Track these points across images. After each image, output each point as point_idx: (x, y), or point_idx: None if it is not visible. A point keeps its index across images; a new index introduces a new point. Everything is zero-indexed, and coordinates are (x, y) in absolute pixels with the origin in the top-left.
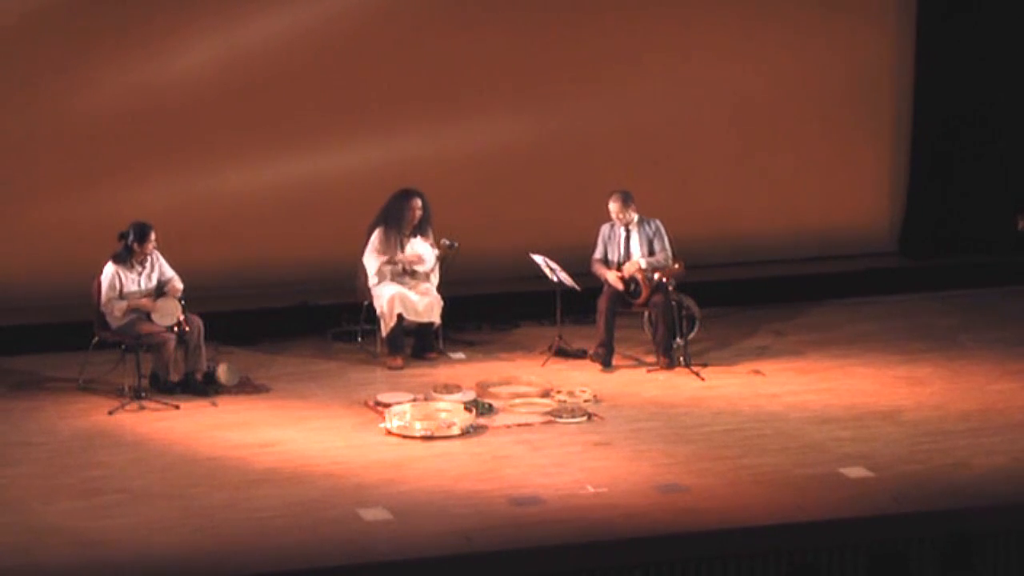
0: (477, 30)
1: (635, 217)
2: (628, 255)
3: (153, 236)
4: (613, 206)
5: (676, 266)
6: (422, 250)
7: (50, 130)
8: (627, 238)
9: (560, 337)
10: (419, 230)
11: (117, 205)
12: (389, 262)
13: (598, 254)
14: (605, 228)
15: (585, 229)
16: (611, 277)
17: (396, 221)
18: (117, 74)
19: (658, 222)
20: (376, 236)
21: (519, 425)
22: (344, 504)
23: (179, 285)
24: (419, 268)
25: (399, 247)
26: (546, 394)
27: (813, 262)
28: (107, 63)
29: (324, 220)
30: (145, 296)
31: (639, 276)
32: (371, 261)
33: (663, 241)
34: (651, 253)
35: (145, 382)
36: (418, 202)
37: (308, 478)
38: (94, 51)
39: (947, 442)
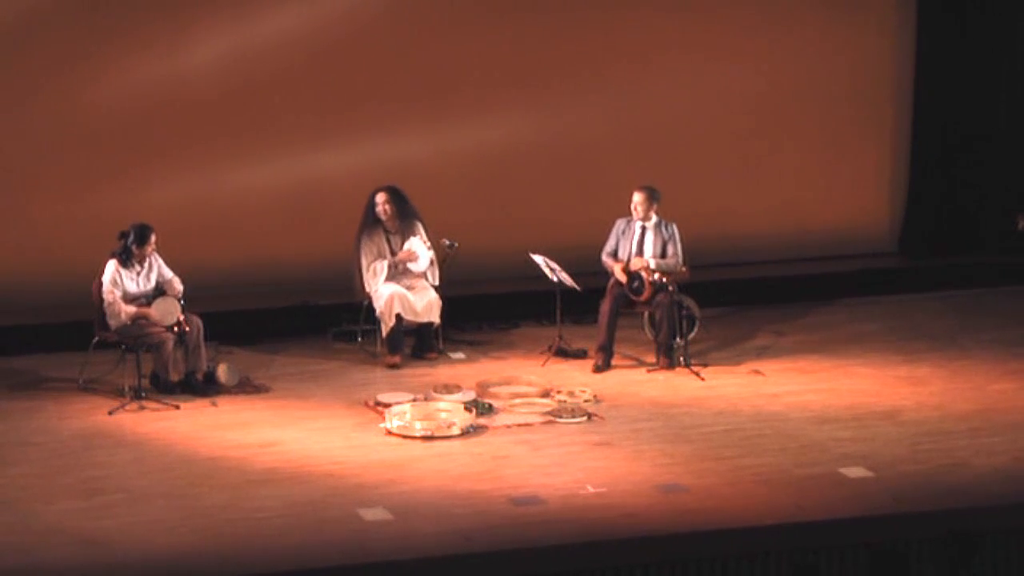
0: (478, 30)
1: (654, 218)
2: (640, 253)
3: (153, 239)
4: (638, 197)
5: (683, 269)
6: (415, 247)
7: (51, 130)
8: (642, 236)
9: (560, 337)
10: (403, 224)
11: (118, 205)
12: (388, 264)
13: (608, 248)
14: (620, 223)
15: (585, 229)
16: (616, 270)
17: (373, 222)
18: (118, 75)
19: (674, 226)
20: (364, 250)
21: (519, 425)
22: (344, 504)
23: (179, 286)
24: (412, 267)
25: (388, 247)
26: (546, 394)
27: (813, 262)
28: (108, 64)
29: (324, 220)
30: (143, 296)
31: (645, 275)
32: (370, 276)
33: (677, 246)
34: (663, 256)
35: (145, 382)
36: (380, 197)
37: (308, 478)
38: (95, 52)
39: (947, 442)
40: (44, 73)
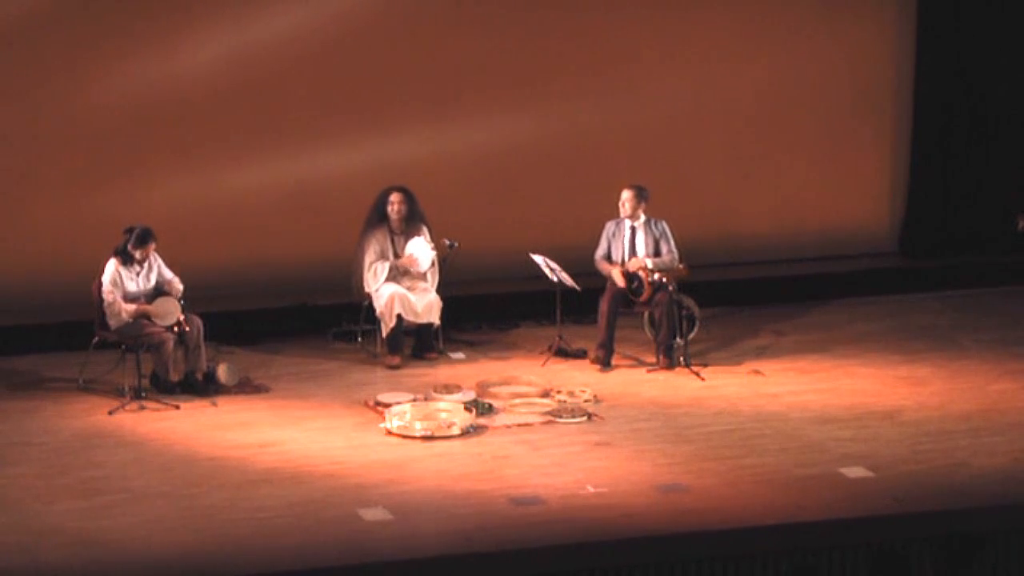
0: (477, 30)
1: (642, 217)
2: (633, 253)
3: (152, 245)
4: (627, 194)
5: (681, 267)
6: (417, 250)
7: (51, 130)
8: (633, 236)
9: (560, 337)
10: (409, 226)
11: (118, 205)
12: (389, 267)
13: (601, 251)
14: (610, 225)
15: (585, 229)
16: (614, 272)
17: (380, 220)
18: (118, 75)
19: (664, 223)
20: (368, 248)
21: (519, 425)
22: (344, 504)
23: (179, 287)
24: (413, 269)
25: (392, 248)
26: (546, 394)
27: (813, 262)
28: (108, 64)
29: (324, 220)
30: (143, 296)
31: (643, 275)
32: (371, 277)
33: (670, 243)
34: (656, 254)
35: (145, 382)
36: (395, 196)
37: (308, 478)
38: (96, 51)
39: (947, 442)
40: (45, 73)
